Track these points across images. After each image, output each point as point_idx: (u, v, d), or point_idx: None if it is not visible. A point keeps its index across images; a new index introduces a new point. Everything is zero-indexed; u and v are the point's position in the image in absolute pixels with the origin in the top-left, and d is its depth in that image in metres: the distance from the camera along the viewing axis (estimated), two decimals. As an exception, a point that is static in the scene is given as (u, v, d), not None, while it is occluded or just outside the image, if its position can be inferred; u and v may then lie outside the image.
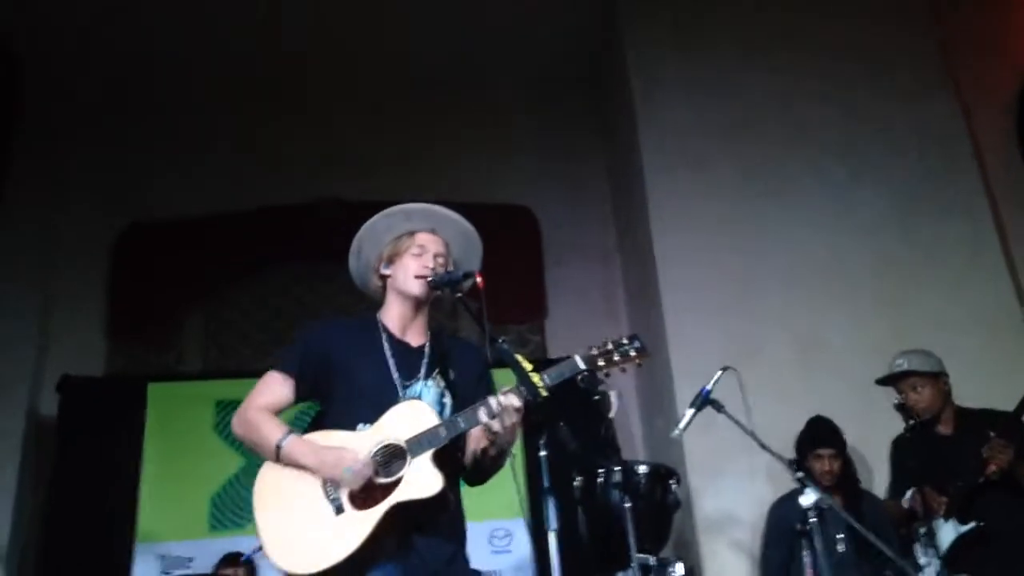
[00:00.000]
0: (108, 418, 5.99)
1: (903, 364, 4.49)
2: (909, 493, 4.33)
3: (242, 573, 4.89)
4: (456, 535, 2.75)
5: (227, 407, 6.07)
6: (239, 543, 5.51)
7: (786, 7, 6.27)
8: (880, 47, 6.18)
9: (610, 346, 2.72)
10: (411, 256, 2.88)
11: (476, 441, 2.77)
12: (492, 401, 2.58)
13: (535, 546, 5.25)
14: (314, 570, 2.50)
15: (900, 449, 4.54)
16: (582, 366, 2.68)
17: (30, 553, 5.80)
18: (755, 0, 6.30)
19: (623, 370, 2.71)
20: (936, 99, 6.07)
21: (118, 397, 6.15)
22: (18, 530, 5.85)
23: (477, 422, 2.61)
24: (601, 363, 2.70)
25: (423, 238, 2.91)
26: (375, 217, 2.94)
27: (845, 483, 4.59)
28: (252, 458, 5.85)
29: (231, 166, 6.81)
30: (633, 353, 2.72)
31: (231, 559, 4.97)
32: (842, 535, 4.15)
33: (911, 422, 4.24)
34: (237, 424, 2.76)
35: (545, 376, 2.63)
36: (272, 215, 6.71)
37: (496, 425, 2.57)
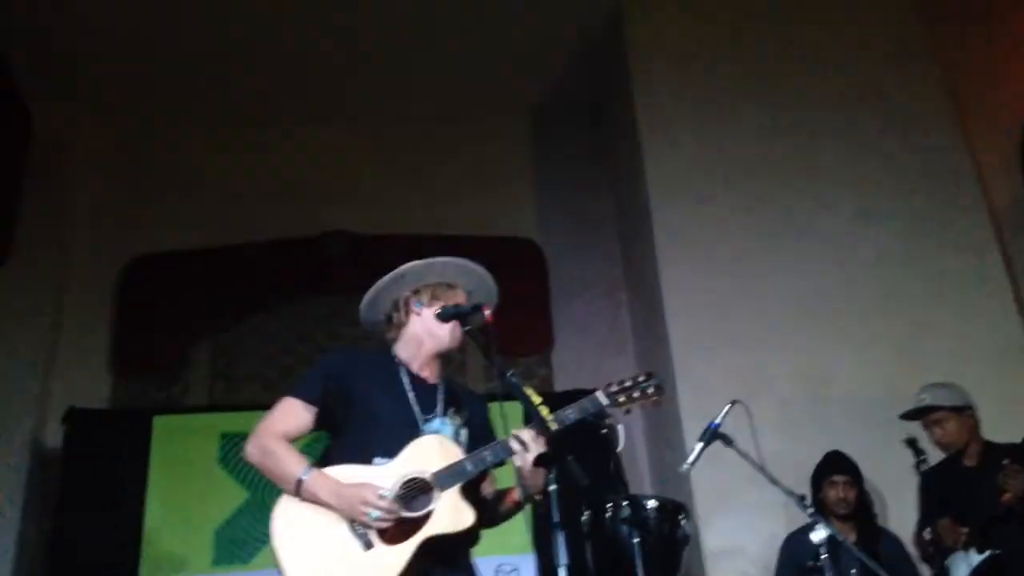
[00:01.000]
0: (113, 450, 5.98)
1: (925, 399, 4.45)
2: (928, 530, 4.29)
3: None
4: (472, 568, 2.75)
5: (233, 440, 6.05)
6: (243, 578, 5.49)
7: (791, 44, 6.31)
8: (885, 82, 6.21)
9: (629, 383, 2.76)
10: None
11: (489, 485, 2.81)
12: (522, 433, 2.58)
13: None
14: None
15: (927, 482, 4.48)
16: (605, 402, 2.71)
17: (34, 587, 5.77)
18: (761, 38, 6.33)
19: (642, 407, 2.73)
20: (941, 133, 6.09)
21: (123, 429, 6.14)
22: (21, 562, 5.82)
23: (506, 454, 2.61)
24: (622, 399, 2.73)
25: (462, 296, 2.95)
26: (439, 259, 2.97)
27: (861, 516, 4.54)
28: (257, 492, 5.88)
29: (237, 199, 6.85)
30: (651, 391, 2.76)
31: None
32: (855, 571, 4.10)
33: (921, 457, 4.22)
34: (254, 450, 2.70)
35: (569, 411, 2.65)
36: (279, 248, 6.74)
37: (527, 458, 2.56)
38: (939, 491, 4.32)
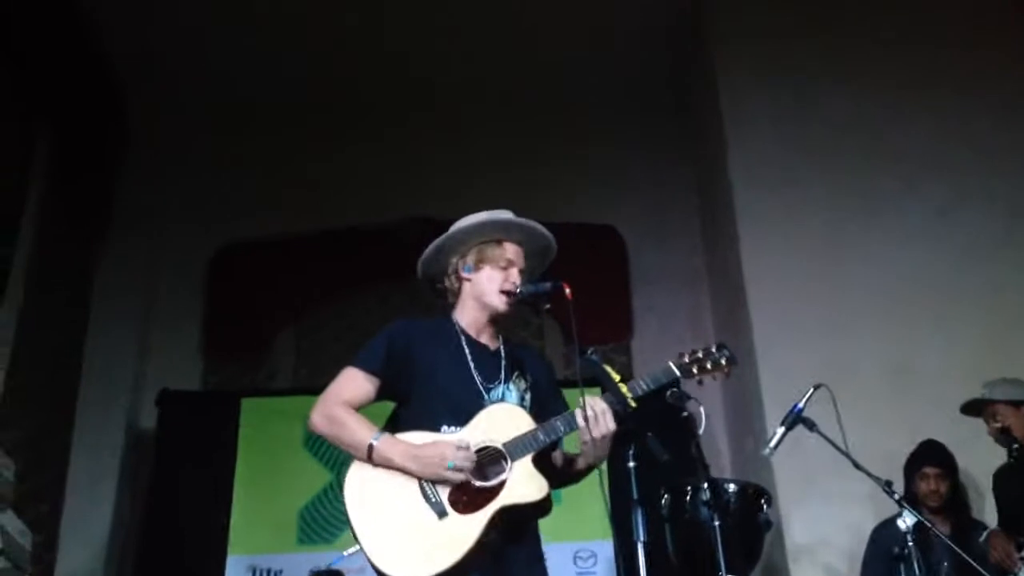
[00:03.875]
0: (204, 432, 6.16)
1: (985, 392, 4.36)
2: (985, 533, 4.17)
3: None
4: (537, 543, 2.73)
5: (316, 422, 6.17)
6: (327, 557, 5.59)
7: (875, 25, 6.15)
8: (974, 62, 6.01)
9: (701, 354, 2.72)
10: (498, 268, 2.84)
11: (558, 451, 2.77)
12: (590, 404, 2.56)
13: (622, 567, 5.21)
14: (423, 574, 2.46)
15: (1000, 480, 4.36)
16: (677, 372, 2.69)
17: (128, 563, 5.98)
18: (844, 19, 6.19)
19: (714, 378, 2.70)
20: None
21: (214, 411, 6.33)
22: (115, 539, 6.05)
23: (575, 426, 2.59)
24: (694, 370, 2.70)
25: (511, 250, 2.87)
26: (468, 219, 2.90)
27: (954, 508, 4.44)
28: (341, 474, 5.97)
29: (323, 187, 6.97)
30: (724, 362, 2.72)
31: (334, 574, 4.98)
32: (947, 562, 3.99)
33: (1015, 447, 4.10)
34: (320, 420, 2.67)
35: (641, 381, 2.63)
36: (360, 235, 6.85)
37: (594, 430, 2.54)
38: (1005, 489, 4.20)
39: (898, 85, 6.01)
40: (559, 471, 2.78)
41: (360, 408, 2.71)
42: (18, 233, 5.68)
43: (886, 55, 6.06)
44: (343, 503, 2.59)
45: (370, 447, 2.58)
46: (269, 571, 5.84)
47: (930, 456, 4.50)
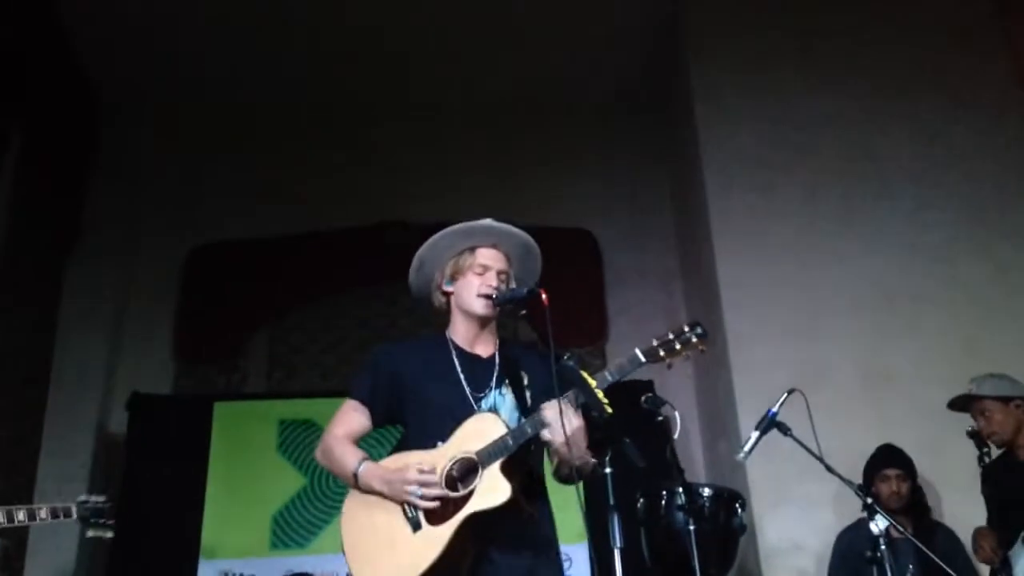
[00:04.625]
0: (175, 436, 6.10)
1: (972, 388, 4.38)
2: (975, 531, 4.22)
3: None
4: (539, 546, 2.70)
5: (290, 426, 6.16)
6: (301, 563, 5.57)
7: (850, 30, 6.21)
8: (950, 69, 6.08)
9: (670, 336, 2.68)
10: (474, 274, 2.86)
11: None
12: (550, 404, 2.57)
13: (597, 568, 5.20)
14: None
15: (987, 478, 4.39)
16: (642, 359, 2.65)
17: (99, 568, 5.91)
18: (818, 25, 6.24)
19: (686, 357, 2.66)
20: (1009, 120, 5.94)
21: (185, 415, 6.27)
22: (86, 545, 5.96)
23: (540, 425, 2.60)
24: (662, 353, 2.66)
25: (485, 254, 2.90)
26: (437, 235, 2.93)
27: (915, 510, 4.49)
28: (314, 479, 5.97)
29: (297, 190, 6.92)
30: (695, 340, 2.67)
31: None
32: (912, 564, 4.03)
33: (984, 450, 4.14)
34: (319, 453, 2.85)
35: (607, 372, 2.63)
36: (337, 238, 6.81)
37: (557, 432, 2.54)
38: (995, 486, 4.23)
39: (874, 88, 6.06)
40: (557, 471, 2.76)
41: (361, 437, 2.83)
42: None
43: (863, 58, 6.12)
44: (339, 524, 2.72)
45: (355, 475, 2.70)
46: (242, 575, 5.79)
47: (890, 458, 4.55)
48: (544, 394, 2.74)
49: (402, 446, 2.80)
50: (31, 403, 6.02)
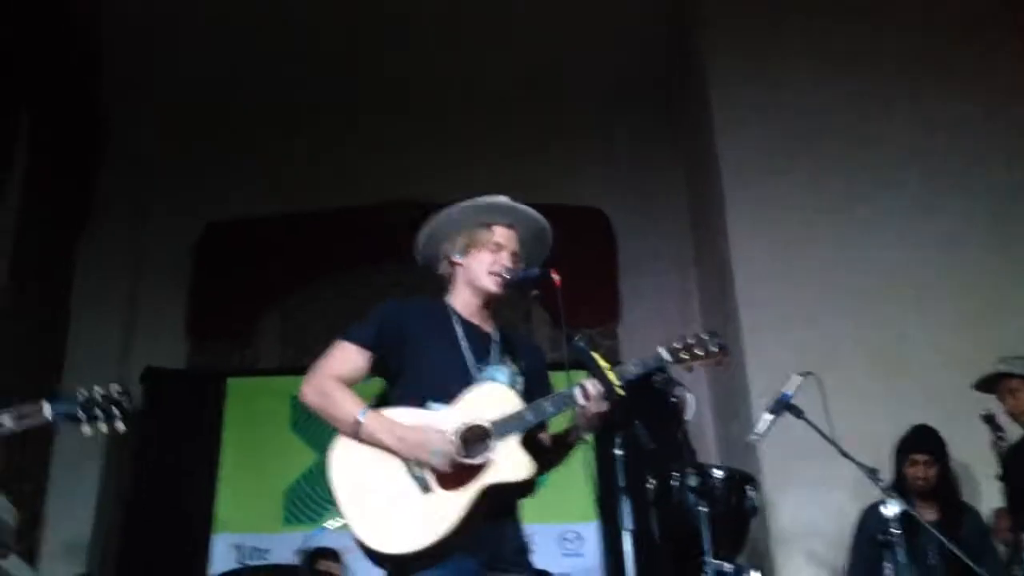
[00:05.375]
0: (189, 410, 6.17)
1: (1001, 367, 4.34)
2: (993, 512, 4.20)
3: (336, 568, 4.90)
4: (520, 527, 2.72)
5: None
6: (313, 537, 5.61)
7: (860, 15, 6.14)
8: (959, 53, 6.01)
9: (692, 340, 2.69)
10: (488, 251, 2.84)
11: (544, 432, 2.76)
12: (588, 384, 2.55)
13: (607, 548, 5.22)
14: (405, 549, 2.46)
15: (1007, 459, 4.36)
16: (667, 357, 2.66)
17: (112, 540, 5.97)
18: (829, 10, 6.18)
19: (704, 367, 2.68)
20: (1016, 107, 5.87)
21: (199, 390, 6.33)
22: (101, 518, 6.04)
23: (568, 404, 2.58)
24: (684, 356, 2.67)
25: (501, 233, 2.87)
26: (455, 205, 2.89)
27: (943, 494, 4.41)
28: (327, 454, 5.98)
29: (307, 168, 6.94)
30: (715, 349, 2.69)
31: (326, 553, 4.98)
32: (933, 547, 3.99)
33: (998, 434, 4.11)
34: (310, 392, 2.66)
35: (630, 366, 2.61)
36: (347, 216, 6.82)
37: (593, 407, 2.54)
38: (1016, 470, 4.20)
39: (883, 74, 6.01)
40: (547, 450, 2.77)
41: (352, 383, 2.70)
42: (1, 214, 5.62)
43: (872, 45, 6.06)
44: (329, 477, 2.57)
45: (357, 423, 2.57)
46: (255, 550, 5.85)
47: (919, 442, 4.46)
48: (534, 386, 2.75)
49: (386, 400, 2.72)
50: (47, 377, 6.06)
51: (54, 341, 6.24)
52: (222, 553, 5.78)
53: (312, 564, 4.84)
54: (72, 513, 5.91)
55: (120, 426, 2.48)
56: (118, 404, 2.54)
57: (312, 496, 5.99)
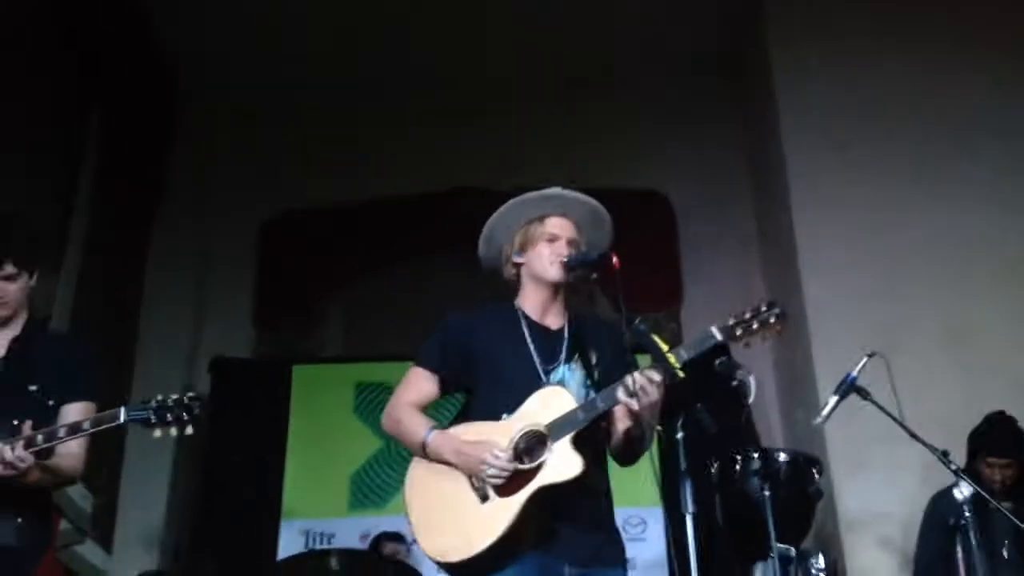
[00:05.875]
0: (256, 398, 6.26)
1: None
2: None
3: (403, 551, 4.96)
4: (604, 523, 2.72)
5: (367, 389, 6.26)
6: (379, 522, 5.68)
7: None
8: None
9: (748, 315, 2.60)
10: (544, 243, 2.84)
11: (620, 421, 2.72)
12: (629, 379, 2.52)
13: (672, 533, 5.19)
14: (460, 557, 2.54)
15: None
16: (719, 336, 2.58)
17: (184, 528, 6.11)
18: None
19: (764, 339, 2.59)
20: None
21: (265, 378, 6.43)
22: (173, 506, 6.18)
23: (616, 401, 2.56)
24: (739, 332, 2.58)
25: (554, 223, 2.86)
26: (504, 206, 2.91)
27: (1020, 487, 4.18)
28: (391, 441, 6.04)
29: (375, 155, 6.96)
30: (773, 320, 2.58)
31: (393, 536, 5.03)
32: (1009, 538, 3.87)
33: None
34: (386, 421, 2.82)
35: (682, 350, 2.57)
36: (411, 204, 6.84)
37: (635, 404, 2.52)
38: None
39: (953, 44, 5.85)
40: (621, 443, 2.75)
41: (426, 405, 2.82)
42: (75, 206, 5.77)
43: (941, 14, 5.90)
44: (403, 495, 2.71)
45: (423, 444, 2.69)
46: (322, 535, 5.94)
47: (998, 445, 4.20)
48: (612, 370, 2.71)
49: (466, 414, 2.80)
50: (119, 367, 6.22)
51: (127, 330, 6.38)
52: (290, 539, 5.86)
53: (378, 547, 4.90)
54: (146, 501, 6.06)
55: (190, 430, 2.62)
56: (189, 409, 2.66)
57: (376, 481, 6.06)
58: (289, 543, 5.84)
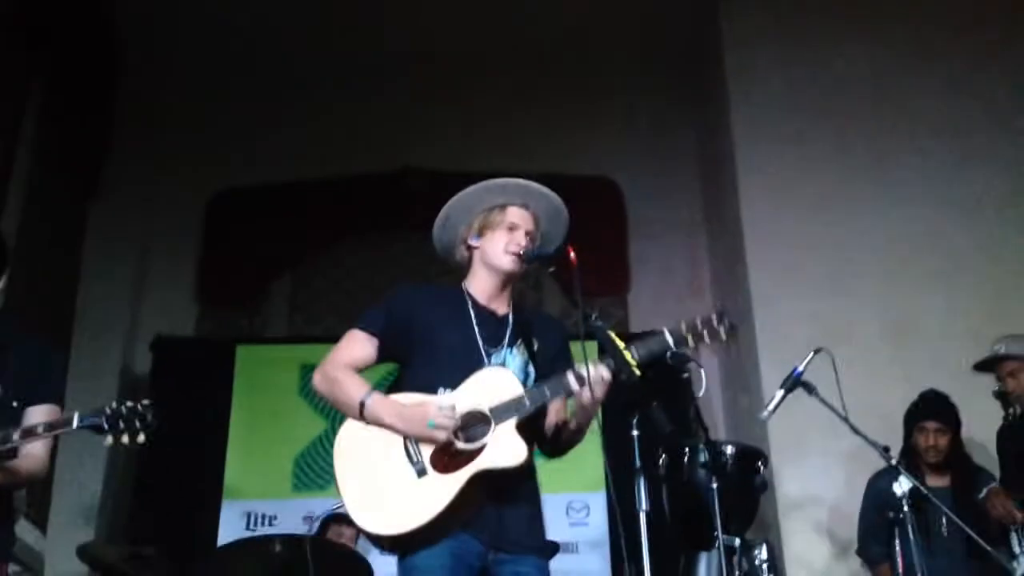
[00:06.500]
0: (198, 378, 6.16)
1: (1000, 348, 4.34)
2: (985, 491, 4.17)
3: (350, 533, 4.92)
4: (532, 508, 2.74)
5: (312, 371, 6.15)
6: (323, 504, 5.62)
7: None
8: (983, 24, 5.92)
9: (699, 323, 2.66)
10: (503, 231, 2.85)
11: (556, 414, 2.76)
12: (583, 369, 2.55)
13: (613, 520, 5.24)
14: (395, 531, 2.53)
15: (1004, 439, 4.35)
16: (671, 342, 2.63)
17: (122, 507, 6.01)
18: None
19: (711, 347, 2.66)
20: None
21: (208, 358, 6.33)
22: (110, 484, 6.08)
23: (564, 391, 2.59)
24: (689, 339, 2.64)
25: (515, 213, 2.88)
26: (468, 189, 2.91)
27: (957, 462, 4.33)
28: (336, 423, 5.98)
29: (320, 134, 6.86)
30: (722, 332, 2.66)
31: (340, 518, 4.98)
32: (944, 519, 3.98)
33: (1009, 411, 4.11)
34: (320, 380, 2.77)
35: (634, 350, 2.60)
36: (359, 184, 6.76)
37: (586, 393, 2.54)
38: (1014, 448, 4.20)
39: (906, 38, 5.93)
40: (553, 436, 2.78)
41: (363, 369, 2.78)
42: (10, 177, 5.59)
43: (897, 11, 5.96)
44: (333, 459, 2.66)
45: (361, 404, 2.65)
46: (264, 516, 5.88)
47: (928, 410, 4.38)
48: (551, 364, 2.75)
49: (400, 387, 2.78)
50: (56, 344, 6.05)
51: (64, 308, 6.23)
52: (231, 520, 5.81)
53: (324, 531, 4.85)
54: (81, 479, 5.94)
55: (141, 439, 2.58)
56: (142, 418, 2.63)
57: (320, 463, 6.01)
58: (230, 524, 5.78)
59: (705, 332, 2.65)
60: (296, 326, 6.69)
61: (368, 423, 2.65)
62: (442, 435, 2.55)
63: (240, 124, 6.92)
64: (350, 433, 2.68)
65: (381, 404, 2.64)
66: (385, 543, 2.60)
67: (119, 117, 6.80)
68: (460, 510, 2.54)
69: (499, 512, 2.61)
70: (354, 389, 2.68)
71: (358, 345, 2.79)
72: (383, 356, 2.81)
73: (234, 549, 4.27)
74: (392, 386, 2.81)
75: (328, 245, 6.82)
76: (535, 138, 6.65)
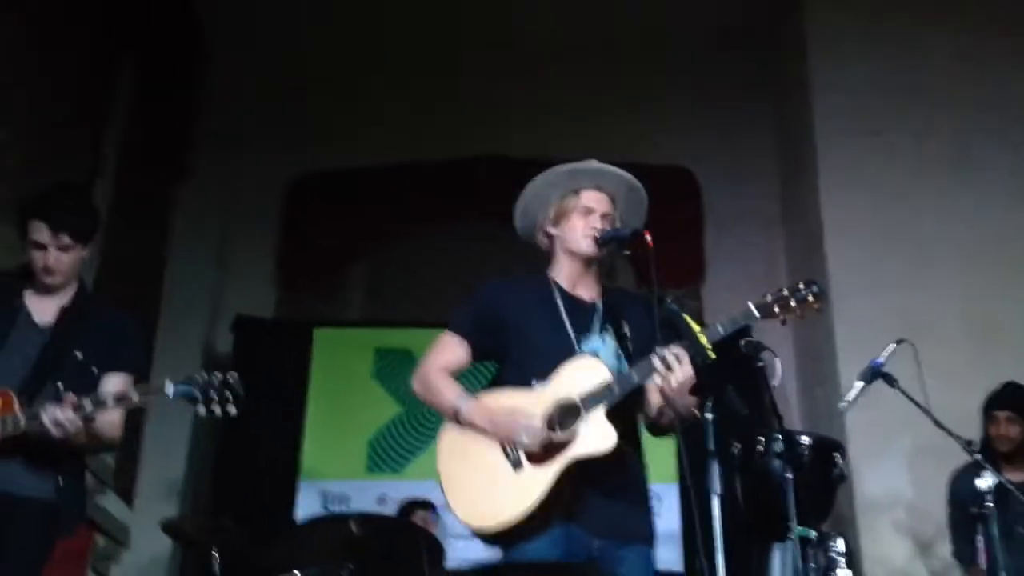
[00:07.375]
0: (277, 359, 6.28)
1: None
2: None
3: (431, 520, 4.98)
4: (636, 495, 2.75)
5: (386, 355, 6.29)
6: (396, 487, 5.74)
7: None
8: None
9: (785, 292, 2.61)
10: (578, 215, 2.85)
11: (653, 393, 2.74)
12: (664, 352, 2.54)
13: (688, 511, 5.21)
14: (494, 523, 2.58)
15: None
16: (756, 314, 2.60)
17: (205, 483, 6.18)
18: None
19: (801, 317, 2.61)
20: None
21: (287, 339, 6.45)
22: (192, 463, 6.24)
23: (651, 374, 2.58)
24: (776, 310, 2.59)
25: (589, 196, 2.87)
26: (540, 176, 2.92)
27: None
28: (409, 407, 6.10)
29: (400, 121, 6.94)
30: (811, 299, 2.60)
31: (422, 504, 5.04)
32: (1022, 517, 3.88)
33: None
34: (417, 384, 2.84)
35: (719, 326, 2.58)
36: (437, 170, 6.82)
37: (671, 376, 2.53)
38: None
39: (991, 30, 5.76)
40: (652, 418, 2.78)
41: (457, 371, 2.84)
42: (103, 160, 5.77)
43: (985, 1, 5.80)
44: (436, 460, 2.74)
45: (456, 410, 2.71)
46: (339, 497, 5.99)
47: (1000, 399, 4.31)
48: (644, 344, 2.71)
49: (498, 382, 2.83)
50: (143, 323, 6.24)
51: (151, 286, 6.40)
52: (308, 499, 5.93)
53: (407, 514, 4.92)
54: (167, 455, 6.11)
55: (232, 410, 2.65)
56: (232, 390, 2.70)
57: (394, 446, 6.11)
58: (307, 503, 5.90)
59: (793, 300, 2.59)
60: (371, 310, 6.80)
61: (463, 426, 2.71)
62: (534, 445, 2.59)
63: (320, 110, 7.03)
64: (449, 434, 2.75)
65: (474, 409, 2.70)
66: (485, 537, 2.65)
67: (203, 103, 6.97)
68: (557, 500, 2.57)
69: (603, 500, 2.63)
70: (449, 393, 2.75)
71: (449, 349, 2.84)
72: (479, 355, 2.87)
73: (311, 525, 4.36)
74: (492, 381, 2.89)
75: (404, 231, 6.89)
76: (611, 128, 6.61)
